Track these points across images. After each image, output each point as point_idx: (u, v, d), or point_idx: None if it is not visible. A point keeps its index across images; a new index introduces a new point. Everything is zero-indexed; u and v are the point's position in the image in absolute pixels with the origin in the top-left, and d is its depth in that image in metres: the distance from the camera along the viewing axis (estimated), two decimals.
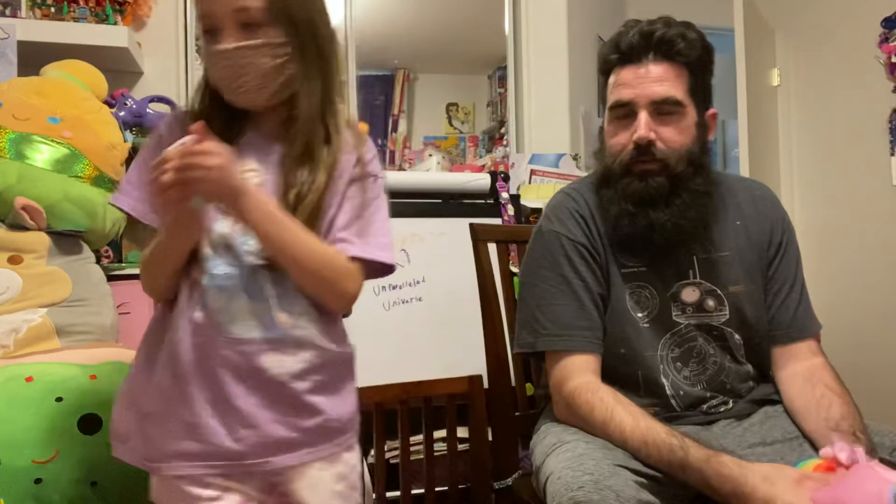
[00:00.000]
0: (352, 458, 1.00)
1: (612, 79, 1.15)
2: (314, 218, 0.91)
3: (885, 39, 2.41)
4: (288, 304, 0.92)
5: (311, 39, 0.91)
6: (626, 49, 1.11)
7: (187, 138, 0.80)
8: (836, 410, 1.06)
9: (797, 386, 1.13)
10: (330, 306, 0.96)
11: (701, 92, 1.14)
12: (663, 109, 1.10)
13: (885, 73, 2.41)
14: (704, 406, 1.16)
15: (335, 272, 0.92)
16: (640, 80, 1.10)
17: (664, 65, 1.10)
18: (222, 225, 0.91)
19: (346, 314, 1.03)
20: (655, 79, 1.09)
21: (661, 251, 1.14)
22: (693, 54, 1.11)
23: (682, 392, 1.15)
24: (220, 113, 0.93)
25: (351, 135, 0.98)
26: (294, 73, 0.91)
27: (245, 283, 0.90)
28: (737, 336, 1.17)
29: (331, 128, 0.94)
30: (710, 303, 1.16)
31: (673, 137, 1.10)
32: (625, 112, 1.12)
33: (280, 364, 0.91)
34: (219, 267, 0.90)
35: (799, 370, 1.15)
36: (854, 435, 1.01)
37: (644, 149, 1.09)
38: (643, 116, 1.09)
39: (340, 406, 0.97)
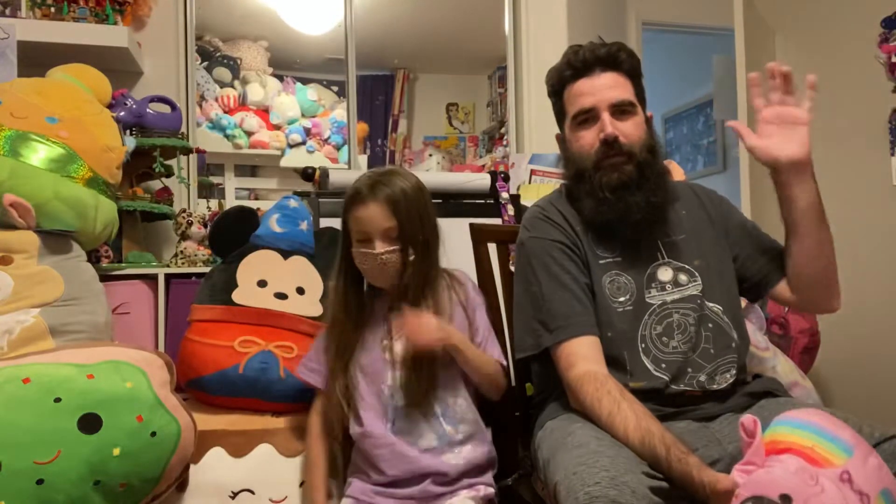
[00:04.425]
0: None
1: (566, 93, 1.32)
2: None
3: (885, 39, 2.41)
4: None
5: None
6: (578, 65, 1.29)
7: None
8: None
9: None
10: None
11: (642, 96, 1.33)
12: (620, 110, 1.27)
13: (885, 73, 2.41)
14: (694, 382, 1.21)
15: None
16: (597, 89, 1.27)
17: (612, 74, 1.28)
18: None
19: None
20: (609, 86, 1.27)
21: (632, 240, 1.28)
22: (633, 64, 1.31)
23: (664, 365, 1.22)
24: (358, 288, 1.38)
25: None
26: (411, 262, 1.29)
27: None
28: (710, 304, 1.27)
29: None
30: (683, 277, 1.28)
31: (632, 132, 1.26)
32: (587, 117, 1.28)
33: None
34: None
35: None
36: None
37: (611, 144, 1.25)
38: (606, 117, 1.26)
39: None
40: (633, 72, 1.30)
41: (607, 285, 1.26)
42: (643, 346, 1.23)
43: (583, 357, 1.19)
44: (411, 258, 1.29)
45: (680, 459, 0.98)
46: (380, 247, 1.27)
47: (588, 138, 1.27)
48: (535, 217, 1.34)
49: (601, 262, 1.28)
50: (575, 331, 1.21)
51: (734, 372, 1.25)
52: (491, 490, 1.30)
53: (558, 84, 1.33)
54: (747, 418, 0.93)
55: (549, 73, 1.35)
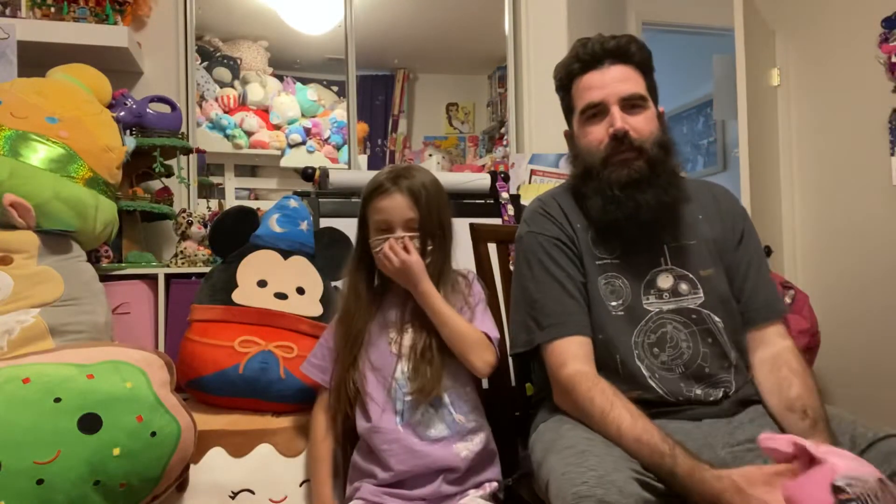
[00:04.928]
0: None
1: (575, 87, 1.27)
2: None
3: (885, 39, 2.41)
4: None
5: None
6: (587, 57, 1.24)
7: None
8: (794, 391, 1.14)
9: (764, 371, 1.21)
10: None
11: (654, 90, 1.28)
12: (630, 104, 1.21)
13: (885, 73, 2.41)
14: (691, 394, 1.18)
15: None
16: (607, 82, 1.22)
17: (622, 67, 1.23)
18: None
19: None
20: (619, 79, 1.22)
21: (635, 242, 1.22)
22: (643, 57, 1.25)
23: (657, 376, 1.18)
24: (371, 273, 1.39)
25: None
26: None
27: None
28: (715, 318, 1.22)
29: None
30: (684, 286, 1.23)
31: (643, 127, 1.21)
32: (596, 112, 1.23)
33: None
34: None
35: (767, 356, 1.22)
36: (804, 413, 1.10)
37: (621, 139, 1.19)
38: (616, 111, 1.20)
39: None
40: (643, 65, 1.25)
41: (602, 287, 1.22)
42: (637, 352, 1.19)
43: (573, 356, 1.17)
44: (429, 248, 1.31)
45: (688, 454, 0.97)
46: (401, 234, 1.29)
47: (597, 133, 1.22)
48: (534, 211, 1.32)
49: (598, 262, 1.24)
50: (566, 330, 1.19)
51: (727, 390, 1.20)
52: (495, 484, 1.31)
53: (566, 78, 1.28)
54: (782, 442, 0.88)
55: (556, 68, 1.31)
